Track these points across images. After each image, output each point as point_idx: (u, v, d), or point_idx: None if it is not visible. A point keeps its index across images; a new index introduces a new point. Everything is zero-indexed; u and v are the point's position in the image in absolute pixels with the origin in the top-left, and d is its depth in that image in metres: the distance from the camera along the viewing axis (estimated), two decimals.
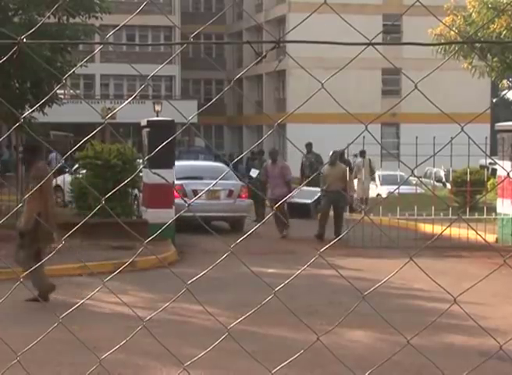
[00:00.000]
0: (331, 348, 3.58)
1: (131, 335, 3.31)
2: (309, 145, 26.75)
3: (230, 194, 20.58)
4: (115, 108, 46.53)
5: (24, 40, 2.64)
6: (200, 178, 21.10)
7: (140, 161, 18.88)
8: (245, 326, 8.22)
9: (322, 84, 2.64)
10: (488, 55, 23.06)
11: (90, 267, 12.94)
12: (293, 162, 45.29)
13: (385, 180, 31.43)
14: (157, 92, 56.67)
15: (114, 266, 12.73)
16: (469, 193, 21.35)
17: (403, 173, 23.79)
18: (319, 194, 19.24)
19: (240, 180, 25.50)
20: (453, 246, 17.10)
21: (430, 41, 22.96)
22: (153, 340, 3.73)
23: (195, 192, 19.97)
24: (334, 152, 19.36)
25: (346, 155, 27.97)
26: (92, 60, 49.10)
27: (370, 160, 26.07)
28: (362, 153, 25.95)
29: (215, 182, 17.47)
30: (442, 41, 22.95)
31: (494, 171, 26.08)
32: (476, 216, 18.28)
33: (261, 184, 20.75)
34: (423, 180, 33.16)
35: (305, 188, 21.95)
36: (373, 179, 29.65)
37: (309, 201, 19.83)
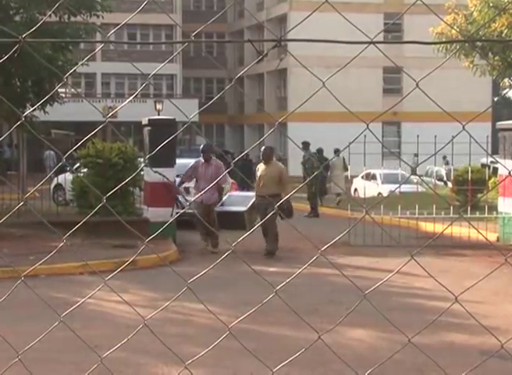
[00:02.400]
0: (332, 346, 3.59)
1: (132, 334, 3.31)
2: (304, 144, 26.58)
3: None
4: (116, 107, 46.53)
5: (25, 38, 2.64)
6: None
7: (142, 159, 18.89)
8: (246, 324, 8.21)
9: (324, 83, 2.64)
10: (490, 53, 23.04)
11: (92, 266, 12.95)
12: (294, 161, 45.30)
13: (387, 179, 31.44)
14: (158, 91, 56.66)
15: (115, 265, 12.73)
16: (470, 192, 21.35)
17: (404, 172, 23.81)
18: (253, 199, 16.09)
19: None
20: (455, 245, 17.10)
21: (431, 39, 22.95)
22: (154, 338, 3.73)
23: (187, 190, 20.13)
24: (266, 148, 16.21)
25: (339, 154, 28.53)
26: (93, 59, 49.08)
27: (344, 158, 27.23)
28: (336, 151, 28.23)
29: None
30: (444, 39, 22.94)
31: (495, 170, 26.06)
32: (477, 215, 18.29)
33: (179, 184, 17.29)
34: (424, 178, 33.16)
35: (238, 193, 19.11)
36: (346, 176, 30.66)
37: (242, 208, 16.26)
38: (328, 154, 28.95)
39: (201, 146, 16.69)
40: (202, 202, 15.98)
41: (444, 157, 35.05)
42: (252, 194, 16.60)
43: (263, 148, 16.41)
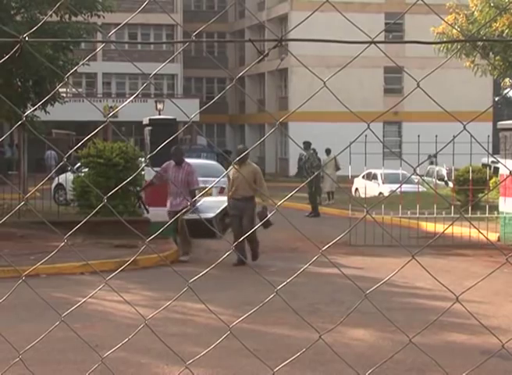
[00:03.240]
0: (333, 346, 3.59)
1: (133, 333, 3.31)
2: (305, 144, 26.52)
3: (222, 191, 20.72)
4: (117, 107, 46.56)
5: (26, 38, 2.64)
6: None
7: (142, 159, 18.89)
8: (247, 324, 8.23)
9: (324, 83, 2.64)
10: (491, 53, 23.02)
11: (92, 265, 12.95)
12: (295, 161, 45.34)
13: (387, 179, 31.45)
14: (159, 90, 56.69)
15: (116, 265, 12.74)
16: (471, 191, 21.35)
17: (405, 172, 23.79)
18: (225, 205, 14.89)
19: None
20: (455, 245, 17.10)
21: (432, 39, 22.95)
22: (155, 338, 3.73)
23: None
24: (241, 149, 15.31)
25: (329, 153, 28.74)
26: (94, 58, 49.14)
27: (336, 158, 28.01)
28: (328, 151, 28.99)
29: (216, 181, 17.52)
30: (445, 39, 22.93)
31: (496, 170, 26.07)
32: (478, 215, 18.29)
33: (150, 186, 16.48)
34: (425, 178, 33.17)
35: (212, 199, 17.51)
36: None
37: (211, 215, 14.68)
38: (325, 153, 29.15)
39: (173, 149, 15.35)
40: (171, 208, 15.15)
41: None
42: (225, 199, 15.30)
43: (238, 147, 15.46)
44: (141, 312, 3.72)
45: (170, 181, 15.27)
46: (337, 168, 28.56)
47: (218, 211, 14.94)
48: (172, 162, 15.37)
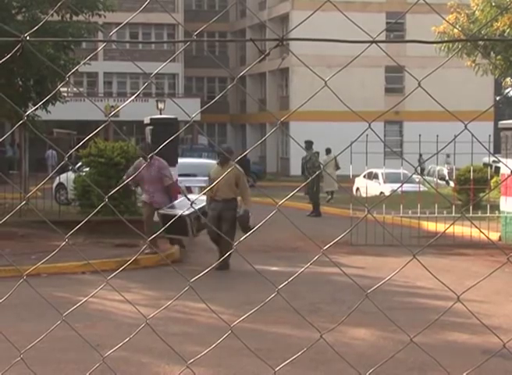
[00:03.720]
0: (334, 346, 3.59)
1: (134, 333, 3.31)
2: (307, 143, 26.51)
3: None
4: (118, 106, 46.55)
5: (27, 38, 2.64)
6: (194, 175, 21.16)
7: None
8: (248, 324, 8.22)
9: (326, 82, 2.64)
10: (492, 52, 23.02)
11: (93, 265, 12.96)
12: (296, 161, 45.34)
13: (389, 178, 31.44)
14: (160, 90, 56.70)
15: (117, 264, 12.74)
16: (472, 191, 21.35)
17: (406, 171, 23.77)
18: (203, 203, 14.41)
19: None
20: (456, 244, 17.10)
21: (433, 38, 22.94)
22: (156, 337, 3.73)
23: (188, 189, 20.03)
24: (226, 149, 14.40)
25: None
26: (95, 58, 49.14)
27: (336, 158, 28.07)
28: (328, 150, 29.12)
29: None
30: (446, 38, 22.92)
31: (497, 169, 26.06)
32: (479, 214, 18.29)
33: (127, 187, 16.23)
34: (426, 177, 33.16)
35: (193, 197, 16.95)
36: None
37: (185, 212, 14.10)
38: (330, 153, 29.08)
39: (142, 145, 14.43)
40: (152, 205, 14.83)
41: (448, 155, 35.05)
42: (203, 198, 14.76)
43: (222, 146, 14.64)
44: (142, 311, 3.72)
45: (145, 179, 14.84)
46: (337, 167, 28.60)
47: (194, 209, 14.36)
48: (143, 160, 14.96)
